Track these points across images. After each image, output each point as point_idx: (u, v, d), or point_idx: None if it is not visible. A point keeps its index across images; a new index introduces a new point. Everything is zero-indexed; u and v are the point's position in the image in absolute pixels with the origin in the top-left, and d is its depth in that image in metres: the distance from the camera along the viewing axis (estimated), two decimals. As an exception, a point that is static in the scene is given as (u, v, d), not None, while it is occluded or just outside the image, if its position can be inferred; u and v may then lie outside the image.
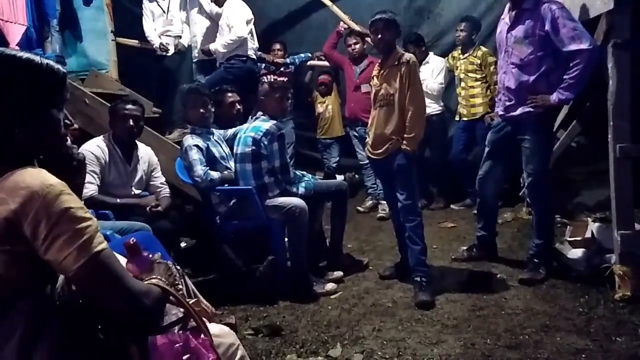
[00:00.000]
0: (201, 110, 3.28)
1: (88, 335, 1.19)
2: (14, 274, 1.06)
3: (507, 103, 3.02)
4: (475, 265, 3.28)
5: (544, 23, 2.77)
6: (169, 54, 4.92)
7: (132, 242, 1.39)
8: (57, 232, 1.04)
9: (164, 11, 4.94)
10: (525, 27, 2.86)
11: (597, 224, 3.12)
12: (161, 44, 4.88)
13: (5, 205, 1.03)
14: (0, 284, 1.05)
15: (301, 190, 3.15)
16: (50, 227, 1.04)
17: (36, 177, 1.07)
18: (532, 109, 2.90)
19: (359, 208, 4.98)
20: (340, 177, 5.23)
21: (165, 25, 4.94)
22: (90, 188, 2.74)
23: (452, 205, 4.89)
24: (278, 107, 3.21)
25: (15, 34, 3.95)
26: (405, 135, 2.83)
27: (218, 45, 4.56)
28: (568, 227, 3.34)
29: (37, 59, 1.16)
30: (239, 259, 3.12)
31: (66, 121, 1.27)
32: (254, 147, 3.07)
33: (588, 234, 3.06)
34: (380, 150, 2.95)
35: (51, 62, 1.19)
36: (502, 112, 3.09)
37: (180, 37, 4.97)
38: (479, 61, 4.54)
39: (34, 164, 1.18)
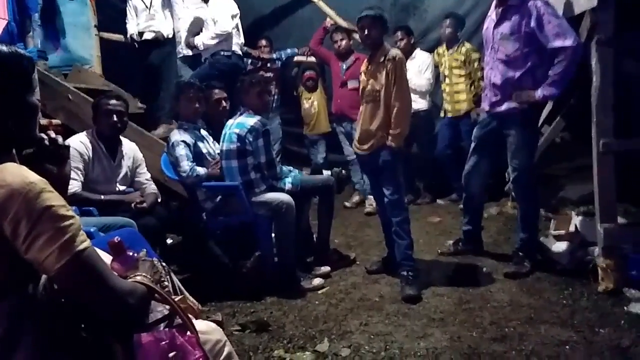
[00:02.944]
0: (196, 105, 3.27)
1: (71, 334, 1.18)
2: None
3: (493, 99, 3.04)
4: (461, 259, 3.30)
5: (529, 19, 2.79)
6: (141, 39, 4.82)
7: (116, 241, 1.37)
8: (38, 231, 1.02)
9: (146, 6, 4.87)
10: (511, 23, 2.88)
11: (580, 218, 3.16)
12: (132, 34, 4.80)
13: None
14: None
15: (288, 185, 3.14)
16: (31, 226, 1.02)
17: (16, 174, 1.05)
18: (517, 105, 2.92)
19: (345, 203, 4.99)
20: (327, 173, 5.22)
21: (148, 20, 4.87)
22: (74, 184, 2.70)
23: (438, 200, 4.91)
24: (259, 103, 3.19)
25: (-5, 27, 3.88)
26: (390, 131, 2.84)
27: (202, 39, 4.52)
28: (552, 221, 3.38)
29: (3, 47, 1.15)
30: (225, 255, 3.11)
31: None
32: (239, 144, 3.05)
33: (572, 228, 3.11)
34: (366, 146, 2.95)
35: (15, 48, 1.18)
36: (488, 108, 3.11)
37: (159, 32, 4.87)
38: (463, 57, 4.56)
39: (14, 159, 1.16)
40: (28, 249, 1.03)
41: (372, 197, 4.45)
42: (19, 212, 1.02)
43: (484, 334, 2.29)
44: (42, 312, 1.13)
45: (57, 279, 1.09)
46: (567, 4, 3.00)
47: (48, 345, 1.10)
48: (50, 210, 1.04)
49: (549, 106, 3.69)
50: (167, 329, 1.28)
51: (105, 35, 5.07)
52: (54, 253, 1.04)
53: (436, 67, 4.87)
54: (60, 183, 1.21)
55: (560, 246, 3.06)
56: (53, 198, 1.06)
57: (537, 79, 2.87)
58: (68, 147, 1.35)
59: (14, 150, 1.18)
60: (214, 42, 4.46)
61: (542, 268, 2.97)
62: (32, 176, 1.06)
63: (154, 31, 4.83)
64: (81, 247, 1.07)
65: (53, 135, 1.30)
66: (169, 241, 3.53)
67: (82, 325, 1.19)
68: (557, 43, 2.71)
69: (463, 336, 2.29)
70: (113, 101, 2.96)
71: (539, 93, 2.83)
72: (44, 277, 1.17)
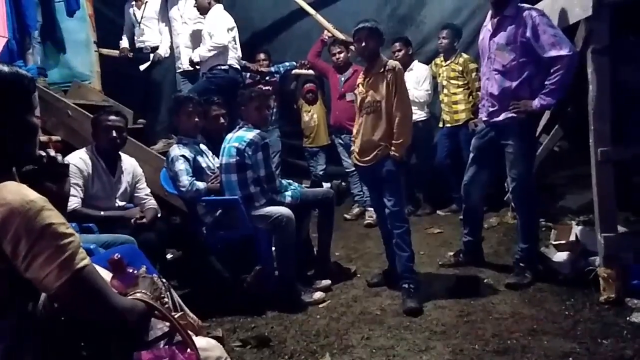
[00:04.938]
0: (195, 120, 3.29)
1: (71, 352, 1.17)
2: None
3: (491, 109, 3.06)
4: (462, 271, 3.29)
5: (525, 29, 2.81)
6: (144, 66, 4.89)
7: (116, 258, 1.37)
8: (38, 249, 1.03)
9: (137, 22, 4.93)
10: (507, 33, 2.90)
11: (581, 227, 3.16)
12: (123, 48, 4.90)
13: None
14: None
15: (288, 199, 3.14)
16: (31, 245, 1.02)
17: (16, 192, 1.05)
18: (514, 115, 2.93)
19: (345, 216, 4.99)
20: (326, 185, 5.23)
21: (139, 36, 4.94)
22: (74, 201, 2.70)
23: (438, 211, 4.91)
24: (258, 116, 3.21)
25: (-5, 45, 3.90)
26: (393, 142, 2.85)
27: (199, 52, 4.55)
28: (553, 230, 3.37)
29: (4, 67, 1.16)
30: (225, 269, 3.10)
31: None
32: (238, 158, 3.06)
33: (572, 237, 3.10)
34: (368, 157, 2.95)
35: (17, 68, 1.19)
36: (485, 118, 3.13)
37: (156, 48, 4.93)
38: (460, 68, 4.59)
39: (14, 177, 1.17)
40: (28, 267, 1.03)
41: (372, 208, 4.45)
42: (19, 231, 1.02)
43: (486, 347, 2.28)
44: (43, 330, 1.13)
45: (57, 296, 1.09)
46: (562, 13, 3.03)
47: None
48: (50, 229, 1.05)
49: (546, 115, 3.70)
50: (167, 347, 1.28)
51: (105, 51, 5.11)
52: (53, 271, 1.04)
53: (434, 78, 4.90)
54: (59, 201, 1.22)
55: (561, 256, 3.05)
56: (53, 216, 1.07)
57: (533, 88, 2.88)
58: (67, 165, 1.36)
59: (13, 169, 1.19)
60: (210, 54, 4.48)
61: (543, 278, 2.96)
62: (32, 194, 1.07)
63: (143, 45, 4.87)
64: (81, 264, 1.08)
65: (53, 153, 1.31)
66: (168, 256, 3.51)
67: (83, 344, 1.19)
68: (553, 52, 2.73)
69: (465, 349, 2.27)
70: (112, 117, 2.96)
71: (536, 103, 2.84)
72: (43, 295, 1.17)
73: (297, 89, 5.66)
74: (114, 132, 2.93)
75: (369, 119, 2.94)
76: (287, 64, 5.37)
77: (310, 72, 5.34)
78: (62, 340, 1.16)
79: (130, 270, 1.41)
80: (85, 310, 1.12)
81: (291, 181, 3.43)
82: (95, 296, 1.11)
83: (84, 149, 2.98)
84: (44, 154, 1.29)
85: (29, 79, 1.21)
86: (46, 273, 1.04)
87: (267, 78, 5.22)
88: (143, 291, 1.34)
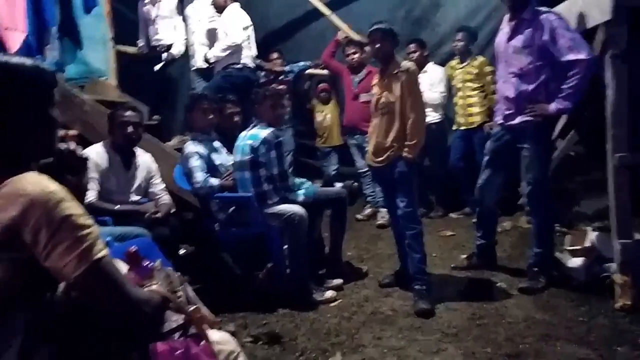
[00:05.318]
0: (209, 117, 3.30)
1: (88, 342, 1.18)
2: (15, 281, 1.05)
3: (507, 112, 3.04)
4: (475, 274, 3.27)
5: (542, 33, 2.80)
6: (159, 66, 4.92)
7: (132, 251, 1.38)
8: (57, 239, 1.04)
9: (152, 20, 4.97)
10: (524, 37, 2.88)
11: (596, 233, 3.12)
12: (140, 47, 4.96)
13: (5, 212, 1.02)
14: (2, 291, 1.04)
15: (300, 197, 3.14)
16: (51, 235, 1.03)
17: (37, 183, 1.07)
18: (531, 118, 2.91)
19: (357, 216, 4.97)
20: (339, 185, 5.22)
21: (153, 34, 4.97)
22: (90, 194, 2.73)
23: (451, 214, 4.89)
24: (272, 115, 3.22)
25: (15, 41, 3.94)
26: (406, 143, 2.85)
27: (213, 52, 4.57)
28: (567, 236, 3.34)
29: (27, 61, 1.17)
30: (237, 266, 3.11)
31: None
32: (252, 155, 3.07)
33: (587, 243, 3.07)
34: (381, 158, 2.95)
35: (38, 63, 1.20)
36: (501, 121, 3.11)
37: (170, 46, 4.96)
38: (476, 70, 4.57)
39: (33, 170, 1.18)
40: (48, 256, 1.04)
41: (384, 209, 4.44)
42: (39, 221, 1.03)
43: (498, 350, 2.26)
44: (60, 321, 1.14)
45: (75, 286, 1.10)
46: (579, 17, 3.00)
47: (65, 353, 1.11)
48: (69, 219, 1.06)
49: (563, 120, 3.67)
50: (181, 338, 1.28)
51: (121, 48, 5.15)
52: (72, 261, 1.05)
53: (448, 80, 4.87)
54: (78, 193, 1.23)
55: (575, 262, 3.01)
56: (72, 207, 1.08)
57: (550, 92, 2.86)
58: (86, 158, 1.37)
59: (34, 162, 1.20)
60: (225, 54, 4.50)
61: (557, 284, 2.93)
62: (52, 185, 1.08)
63: (158, 44, 4.91)
64: (99, 255, 1.09)
65: (72, 146, 1.33)
66: (181, 251, 3.53)
67: (100, 334, 1.20)
68: (571, 56, 2.71)
69: (477, 352, 2.26)
70: (128, 113, 2.99)
71: (553, 106, 2.82)
72: (61, 285, 1.18)
73: (310, 89, 5.66)
74: (129, 127, 2.95)
75: (382, 120, 2.94)
76: (301, 63, 5.37)
77: (325, 71, 5.34)
78: (79, 331, 1.17)
79: (146, 263, 1.42)
80: (103, 299, 1.13)
81: (304, 180, 3.44)
82: (112, 286, 1.12)
83: (100, 143, 3.02)
84: (63, 147, 1.30)
85: (51, 73, 1.22)
86: (65, 262, 1.05)
87: (281, 77, 5.23)
88: (158, 283, 1.35)
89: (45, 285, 1.13)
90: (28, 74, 1.16)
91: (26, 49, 4.07)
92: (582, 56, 2.68)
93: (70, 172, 1.33)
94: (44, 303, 1.12)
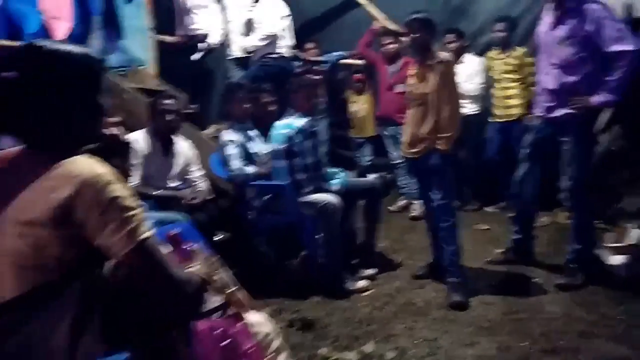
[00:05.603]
0: (245, 106, 3.35)
1: (132, 319, 1.23)
2: (68, 257, 1.11)
3: (547, 104, 2.96)
4: (510, 268, 3.22)
5: (586, 23, 2.71)
6: (196, 56, 4.98)
7: (174, 233, 1.43)
8: (106, 219, 1.08)
9: (188, 9, 5.03)
10: (567, 27, 2.80)
11: (638, 231, 3.03)
12: (179, 36, 4.99)
13: (59, 192, 1.07)
14: (56, 267, 1.10)
15: (335, 187, 3.16)
16: (100, 214, 1.08)
17: (87, 166, 1.12)
18: (573, 111, 2.83)
19: (390, 207, 4.95)
20: (372, 176, 5.20)
21: (189, 24, 5.03)
22: (133, 179, 2.81)
23: (485, 208, 4.81)
24: (307, 105, 3.23)
25: (61, 30, 4.08)
26: (440, 135, 2.81)
27: (249, 41, 4.60)
28: (608, 232, 3.25)
29: (76, 48, 1.21)
30: (271, 253, 3.15)
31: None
32: (287, 144, 3.09)
33: (629, 241, 2.98)
34: (416, 149, 2.93)
35: (88, 50, 1.24)
36: (542, 114, 3.03)
37: (207, 35, 5.01)
38: (516, 62, 4.46)
39: (83, 153, 1.23)
40: (97, 235, 1.09)
41: (417, 201, 4.41)
42: (90, 201, 1.08)
43: (534, 345, 2.23)
44: (107, 297, 1.19)
45: (121, 264, 1.15)
46: (625, 7, 2.89)
47: (113, 329, 1.15)
48: (117, 200, 1.10)
49: (606, 113, 3.55)
50: (220, 319, 1.32)
51: (161, 37, 5.24)
52: (120, 240, 1.09)
53: (486, 71, 4.77)
54: (122, 176, 1.28)
55: (617, 259, 2.93)
56: (120, 189, 1.12)
57: (593, 84, 2.77)
58: (129, 143, 1.42)
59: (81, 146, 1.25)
60: (263, 43, 4.52)
61: (596, 281, 2.86)
62: (101, 168, 1.13)
63: (194, 33, 4.96)
64: (144, 235, 1.13)
65: (116, 131, 1.37)
66: (217, 237, 3.59)
67: (142, 312, 1.24)
68: (617, 47, 2.62)
69: (512, 346, 2.24)
70: (168, 101, 3.06)
71: (596, 99, 2.74)
72: (108, 263, 1.23)
73: (346, 79, 5.65)
74: (169, 115, 3.02)
75: (417, 112, 2.91)
76: (336, 53, 5.35)
77: (360, 61, 5.31)
78: (126, 308, 1.22)
79: (186, 246, 1.46)
80: (147, 278, 1.17)
81: (339, 170, 3.44)
82: (156, 265, 1.16)
83: (141, 130, 3.09)
84: (108, 132, 1.35)
85: (99, 61, 1.27)
86: (113, 242, 1.10)
87: (317, 67, 5.22)
88: (199, 265, 1.39)
89: (95, 262, 1.18)
90: (78, 61, 1.20)
91: (72, 38, 4.21)
92: (628, 47, 2.59)
93: (115, 156, 1.37)
94: (94, 279, 1.17)
